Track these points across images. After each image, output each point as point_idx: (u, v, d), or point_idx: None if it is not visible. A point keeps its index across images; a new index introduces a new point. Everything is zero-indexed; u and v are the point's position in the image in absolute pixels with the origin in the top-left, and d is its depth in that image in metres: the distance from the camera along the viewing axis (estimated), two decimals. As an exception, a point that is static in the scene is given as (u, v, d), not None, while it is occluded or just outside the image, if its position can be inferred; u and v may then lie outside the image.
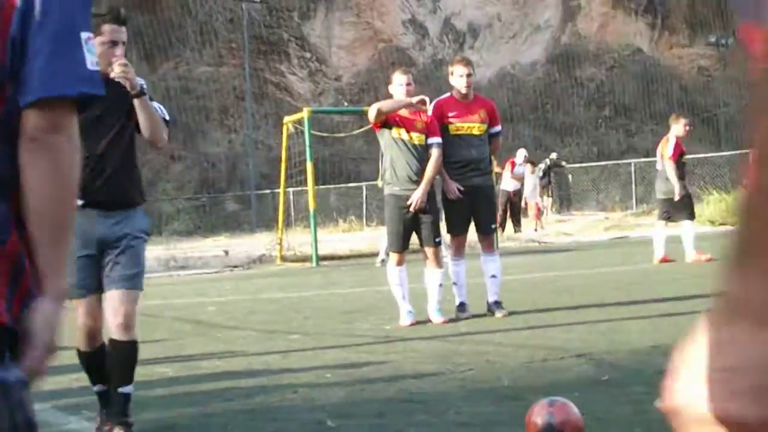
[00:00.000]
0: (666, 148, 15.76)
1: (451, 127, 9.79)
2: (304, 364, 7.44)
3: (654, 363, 6.66)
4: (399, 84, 9.69)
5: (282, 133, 21.94)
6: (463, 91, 9.95)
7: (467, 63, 10.17)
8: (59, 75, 2.01)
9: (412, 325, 9.41)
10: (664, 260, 15.87)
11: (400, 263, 9.70)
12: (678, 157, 15.68)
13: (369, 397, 5.95)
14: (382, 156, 9.97)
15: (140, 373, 7.39)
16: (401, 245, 9.73)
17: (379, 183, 11.02)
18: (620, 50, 56.63)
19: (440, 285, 9.71)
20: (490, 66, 54.34)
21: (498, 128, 10.22)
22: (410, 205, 9.51)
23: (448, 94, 10.09)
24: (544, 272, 15.39)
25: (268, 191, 40.77)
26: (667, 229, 16.10)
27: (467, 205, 9.89)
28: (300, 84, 50.89)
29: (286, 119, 21.94)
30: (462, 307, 9.91)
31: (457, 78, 9.98)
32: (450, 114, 9.82)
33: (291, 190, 28.81)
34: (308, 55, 51.53)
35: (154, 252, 25.90)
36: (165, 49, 46.50)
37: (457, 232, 10.07)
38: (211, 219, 42.96)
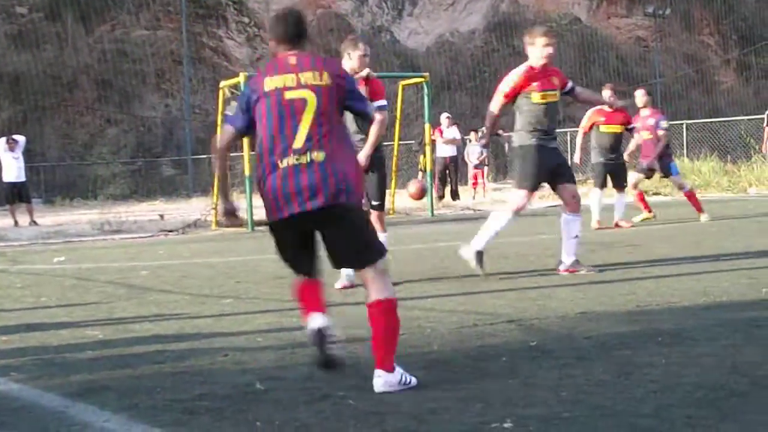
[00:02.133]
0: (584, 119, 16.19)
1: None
2: (235, 328, 7.45)
3: (582, 329, 6.77)
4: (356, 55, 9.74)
5: (219, 98, 21.78)
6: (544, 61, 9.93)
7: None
8: (367, 108, 5.72)
9: (350, 287, 9.37)
10: (617, 226, 16.09)
11: None
12: (591, 127, 16.00)
13: (299, 361, 5.98)
14: None
15: (71, 335, 7.39)
16: None
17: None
18: (558, 19, 56.83)
19: None
20: (429, 34, 54.37)
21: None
22: None
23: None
24: (478, 239, 15.46)
25: (204, 156, 40.53)
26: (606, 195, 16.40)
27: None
28: (238, 49, 50.55)
29: (223, 84, 21.76)
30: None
31: (540, 48, 9.93)
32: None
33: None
34: (246, 19, 51.18)
35: (88, 215, 25.74)
36: (101, 11, 45.92)
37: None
38: (147, 183, 42.66)
